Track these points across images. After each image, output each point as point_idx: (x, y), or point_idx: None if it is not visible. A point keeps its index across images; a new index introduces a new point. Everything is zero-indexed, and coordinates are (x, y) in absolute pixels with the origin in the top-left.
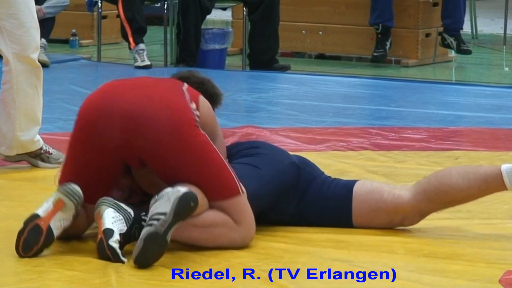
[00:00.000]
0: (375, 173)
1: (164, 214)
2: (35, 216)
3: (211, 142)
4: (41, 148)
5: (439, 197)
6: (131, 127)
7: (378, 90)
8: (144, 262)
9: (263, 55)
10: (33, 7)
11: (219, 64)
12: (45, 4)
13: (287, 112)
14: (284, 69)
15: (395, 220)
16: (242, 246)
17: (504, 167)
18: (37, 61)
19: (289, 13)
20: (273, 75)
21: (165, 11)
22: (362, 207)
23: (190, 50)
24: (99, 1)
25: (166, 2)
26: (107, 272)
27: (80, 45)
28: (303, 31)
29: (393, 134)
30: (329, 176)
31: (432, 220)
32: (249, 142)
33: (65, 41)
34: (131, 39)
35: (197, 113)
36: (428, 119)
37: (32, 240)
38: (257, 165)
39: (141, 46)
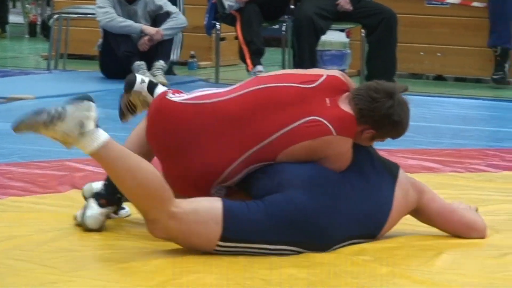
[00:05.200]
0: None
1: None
2: None
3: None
4: None
5: None
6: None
7: (497, 111)
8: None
9: (381, 76)
10: None
11: None
12: (163, 26)
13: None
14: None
15: None
16: None
17: None
18: None
19: (407, 34)
20: None
21: (283, 32)
22: None
23: None
24: (218, 23)
25: (284, 24)
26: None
27: (199, 66)
28: (422, 53)
29: (511, 156)
30: None
31: None
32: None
33: (184, 63)
34: (249, 61)
35: None
36: None
37: None
38: None
39: (259, 68)
